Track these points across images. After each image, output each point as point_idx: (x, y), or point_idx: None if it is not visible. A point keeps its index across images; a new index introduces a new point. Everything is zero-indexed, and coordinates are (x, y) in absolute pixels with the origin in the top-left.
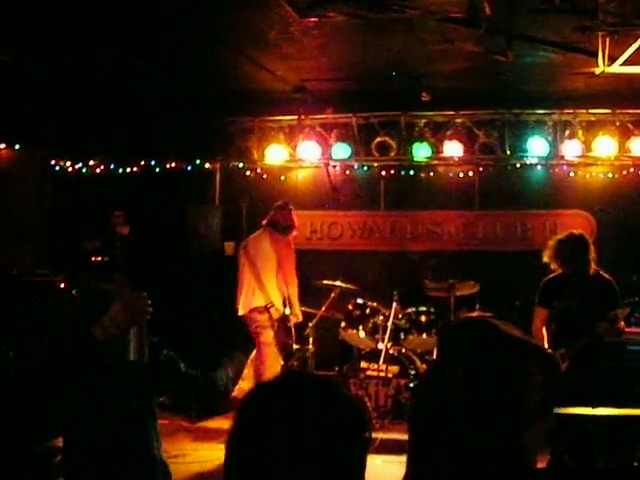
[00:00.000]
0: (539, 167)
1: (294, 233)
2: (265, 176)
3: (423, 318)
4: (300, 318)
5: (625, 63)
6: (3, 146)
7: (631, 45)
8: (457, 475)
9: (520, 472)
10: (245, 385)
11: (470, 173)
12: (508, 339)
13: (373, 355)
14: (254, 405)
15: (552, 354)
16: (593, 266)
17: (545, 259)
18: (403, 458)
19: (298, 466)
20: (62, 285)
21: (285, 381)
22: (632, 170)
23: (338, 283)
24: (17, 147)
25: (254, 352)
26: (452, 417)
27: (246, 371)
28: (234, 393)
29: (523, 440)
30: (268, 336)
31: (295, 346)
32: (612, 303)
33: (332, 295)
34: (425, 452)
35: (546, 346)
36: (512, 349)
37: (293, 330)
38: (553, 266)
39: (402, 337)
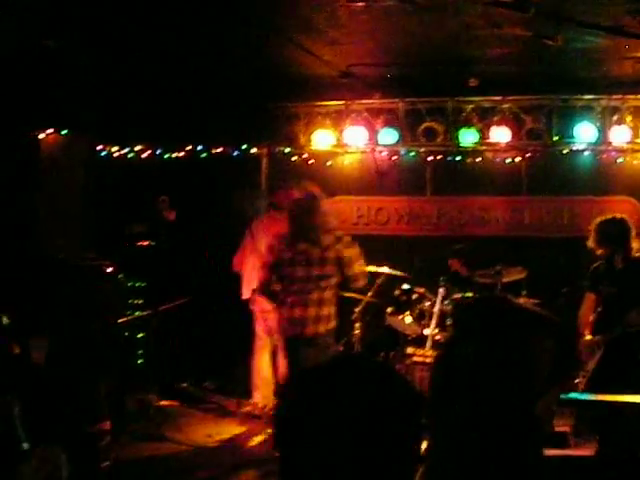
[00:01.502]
0: (587, 153)
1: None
2: (311, 161)
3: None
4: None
5: None
6: (50, 131)
7: None
8: (473, 444)
9: (535, 439)
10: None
11: (517, 159)
12: (516, 311)
13: (419, 341)
14: (304, 388)
15: (559, 323)
16: (635, 252)
17: (589, 244)
18: None
19: (348, 450)
20: (109, 270)
21: (336, 364)
22: None
23: (385, 269)
24: (64, 132)
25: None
26: (465, 385)
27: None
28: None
29: (536, 409)
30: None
31: None
32: None
33: (378, 281)
34: (441, 423)
35: (586, 332)
36: (520, 319)
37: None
38: (598, 251)
39: (448, 323)
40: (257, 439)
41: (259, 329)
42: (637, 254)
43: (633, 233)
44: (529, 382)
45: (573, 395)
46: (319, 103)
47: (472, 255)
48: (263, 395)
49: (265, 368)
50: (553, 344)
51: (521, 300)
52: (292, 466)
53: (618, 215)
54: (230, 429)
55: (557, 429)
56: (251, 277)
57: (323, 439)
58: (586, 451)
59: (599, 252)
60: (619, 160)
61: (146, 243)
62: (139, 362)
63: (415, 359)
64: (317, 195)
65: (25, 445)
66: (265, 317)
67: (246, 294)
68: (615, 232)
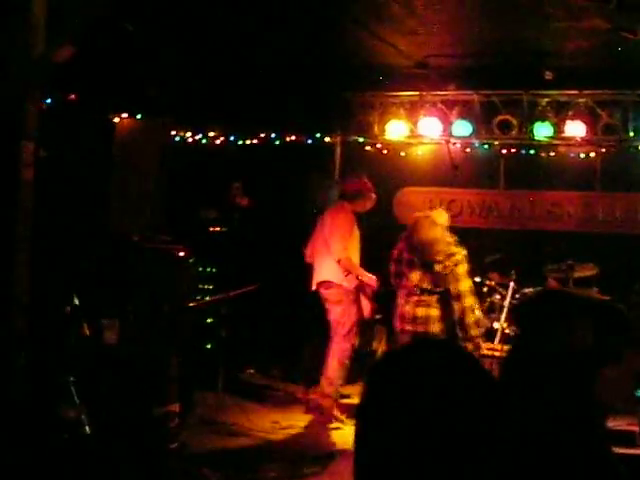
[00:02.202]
0: None
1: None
2: (385, 151)
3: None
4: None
5: None
6: (125, 115)
7: None
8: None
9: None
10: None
11: (592, 154)
12: (568, 297)
13: (489, 334)
14: (382, 373)
15: (613, 304)
16: None
17: None
18: None
19: (432, 439)
20: (181, 254)
21: (414, 348)
22: None
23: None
24: (139, 117)
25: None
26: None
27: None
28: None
29: (596, 393)
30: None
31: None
32: None
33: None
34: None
35: None
36: (567, 303)
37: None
38: None
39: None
40: (323, 428)
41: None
42: None
43: None
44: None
45: None
46: (394, 93)
47: (507, 265)
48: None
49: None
50: (594, 323)
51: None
52: (372, 457)
53: None
54: (296, 417)
55: (626, 428)
56: (321, 267)
57: (405, 428)
58: None
59: None
60: None
61: (218, 229)
62: (208, 347)
63: (484, 352)
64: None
65: (87, 429)
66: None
67: (315, 285)
68: None
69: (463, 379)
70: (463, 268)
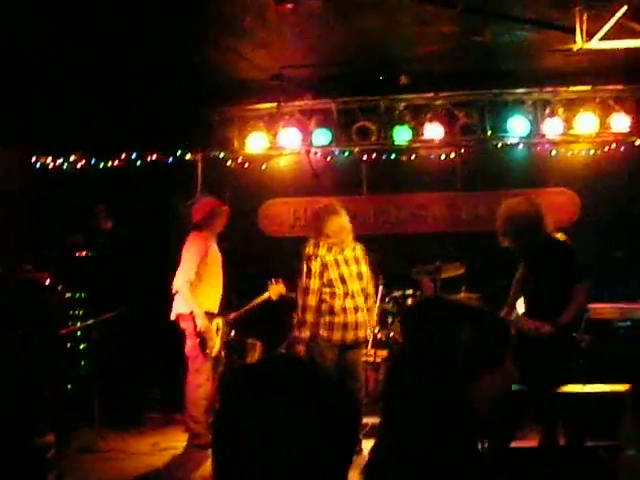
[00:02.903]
0: (521, 146)
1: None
2: (247, 165)
3: (410, 301)
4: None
5: (603, 38)
6: None
7: (608, 20)
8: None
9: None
10: None
11: (452, 155)
12: (445, 304)
13: None
14: (233, 387)
15: (486, 312)
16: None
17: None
18: None
19: (279, 451)
20: (47, 281)
21: (267, 364)
22: (613, 146)
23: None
24: None
25: None
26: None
27: None
28: None
29: (469, 394)
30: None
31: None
32: None
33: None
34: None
35: None
36: (446, 312)
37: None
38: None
39: (390, 321)
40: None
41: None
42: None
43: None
44: (453, 368)
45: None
46: (251, 106)
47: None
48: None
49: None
50: (469, 332)
51: (461, 295)
52: (226, 468)
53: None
54: (176, 437)
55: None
56: (175, 298)
57: (256, 441)
58: (530, 442)
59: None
60: (553, 152)
61: (84, 253)
62: (82, 373)
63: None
64: None
65: None
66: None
67: (173, 315)
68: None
69: (307, 393)
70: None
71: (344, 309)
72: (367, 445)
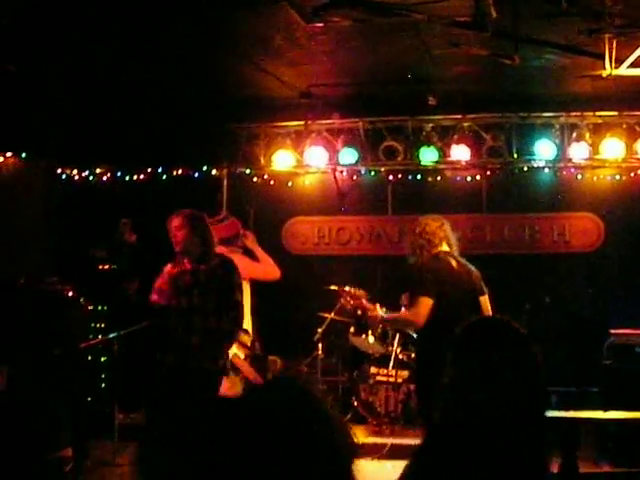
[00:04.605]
0: (546, 170)
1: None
2: (272, 182)
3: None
4: None
5: (632, 65)
6: (9, 155)
7: (638, 47)
8: None
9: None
10: None
11: (477, 177)
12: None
13: (383, 360)
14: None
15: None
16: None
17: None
18: None
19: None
20: (70, 294)
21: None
22: (639, 172)
23: (347, 288)
24: (23, 156)
25: None
26: None
27: None
28: None
29: None
30: None
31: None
32: None
33: (341, 300)
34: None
35: None
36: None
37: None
38: None
39: (411, 342)
40: None
41: None
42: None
43: None
44: None
45: None
46: (279, 124)
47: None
48: None
49: None
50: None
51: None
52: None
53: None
54: None
55: None
56: None
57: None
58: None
59: None
60: (579, 177)
61: (107, 267)
62: (102, 386)
63: (379, 378)
64: None
65: None
66: None
67: None
68: None
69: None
70: None
71: None
72: (383, 466)
